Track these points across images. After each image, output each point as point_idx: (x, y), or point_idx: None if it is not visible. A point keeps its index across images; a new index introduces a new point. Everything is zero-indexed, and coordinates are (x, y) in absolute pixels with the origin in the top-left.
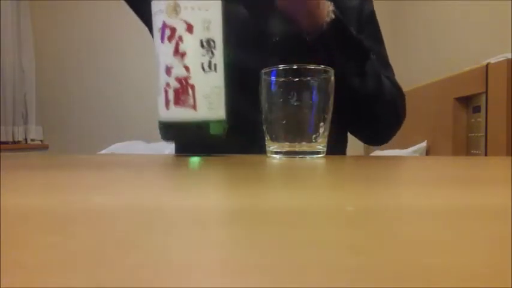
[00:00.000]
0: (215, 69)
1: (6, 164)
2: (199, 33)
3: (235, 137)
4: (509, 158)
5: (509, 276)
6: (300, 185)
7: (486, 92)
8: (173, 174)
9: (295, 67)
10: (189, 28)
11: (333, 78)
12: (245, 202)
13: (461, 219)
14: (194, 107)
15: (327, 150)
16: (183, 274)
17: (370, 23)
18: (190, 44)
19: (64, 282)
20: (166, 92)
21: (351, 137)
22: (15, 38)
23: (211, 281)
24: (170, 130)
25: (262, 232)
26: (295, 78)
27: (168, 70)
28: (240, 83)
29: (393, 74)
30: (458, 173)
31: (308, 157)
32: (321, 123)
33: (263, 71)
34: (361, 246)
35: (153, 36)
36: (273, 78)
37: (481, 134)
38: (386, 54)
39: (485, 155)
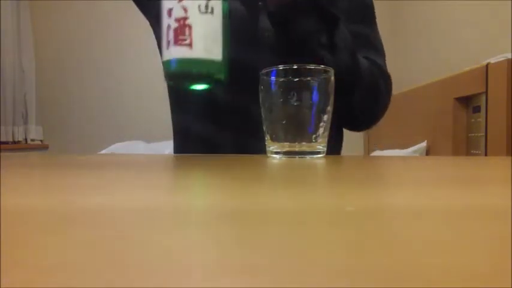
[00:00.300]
0: (212, 11)
1: (6, 164)
2: None
3: (234, 135)
4: (509, 158)
5: (509, 276)
6: (300, 185)
7: (486, 92)
8: (173, 175)
9: (295, 67)
10: None
11: (333, 78)
12: (245, 202)
13: (461, 219)
14: (190, 45)
15: (327, 150)
16: (183, 274)
17: (362, 6)
18: None
19: (64, 282)
20: (167, 33)
21: (350, 137)
22: (15, 38)
23: (211, 281)
24: (170, 68)
25: (262, 232)
26: (295, 78)
27: (169, 12)
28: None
29: (383, 59)
30: (458, 173)
31: (308, 157)
32: (321, 123)
33: (263, 71)
34: (361, 246)
35: (156, 38)
36: (273, 78)
37: (481, 134)
38: (377, 38)
39: (485, 155)
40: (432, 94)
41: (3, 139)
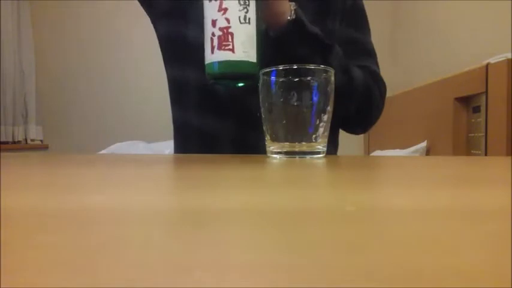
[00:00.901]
0: (249, 21)
1: (6, 164)
2: None
3: (234, 127)
4: (509, 158)
5: (509, 276)
6: (300, 185)
7: (486, 92)
8: (173, 175)
9: (295, 67)
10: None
11: (333, 78)
12: (245, 202)
13: (461, 219)
14: (233, 49)
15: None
16: (182, 274)
17: (352, 11)
18: (230, 1)
19: (64, 282)
20: (212, 40)
21: (350, 137)
22: (15, 38)
23: (211, 281)
24: (214, 69)
25: (262, 232)
26: (295, 78)
27: (214, 22)
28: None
29: (375, 62)
30: (458, 173)
31: (308, 157)
32: (321, 123)
33: (263, 71)
34: (361, 246)
35: (158, 35)
36: (273, 78)
37: (481, 134)
38: (370, 42)
39: (485, 155)
40: (432, 94)
41: (3, 139)
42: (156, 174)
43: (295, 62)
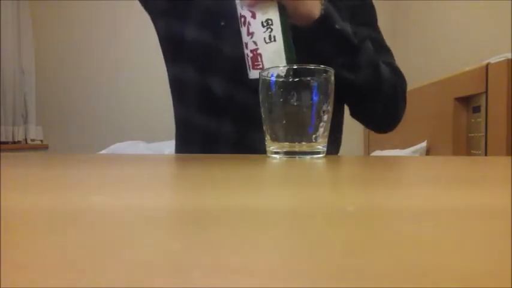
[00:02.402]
0: (274, 39)
1: (6, 164)
2: (260, 17)
3: (234, 125)
4: (509, 158)
5: (509, 276)
6: (300, 185)
7: (486, 92)
8: (173, 175)
9: (295, 67)
10: (253, 15)
11: (333, 78)
12: (244, 202)
13: (461, 219)
14: (262, 68)
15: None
16: (182, 274)
17: (364, 7)
18: (255, 26)
19: (64, 282)
20: (247, 60)
21: (350, 137)
22: (15, 38)
23: (211, 281)
24: (253, 86)
25: (262, 232)
26: (295, 78)
27: (246, 45)
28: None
29: (393, 58)
30: (458, 173)
31: (308, 157)
32: (321, 123)
33: (263, 71)
34: (361, 246)
35: (158, 34)
36: (272, 78)
37: (481, 134)
38: (383, 38)
39: (485, 155)
40: (432, 94)
41: (3, 139)
42: (156, 174)
43: (323, 59)
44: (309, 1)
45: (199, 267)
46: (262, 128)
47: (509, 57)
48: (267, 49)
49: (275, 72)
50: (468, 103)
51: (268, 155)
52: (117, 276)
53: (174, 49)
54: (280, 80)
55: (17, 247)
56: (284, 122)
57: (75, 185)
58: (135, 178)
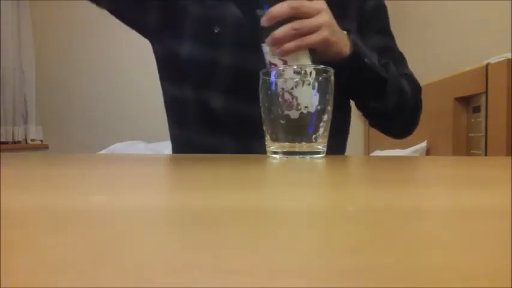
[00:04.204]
0: (308, 85)
1: (6, 164)
2: (292, 64)
3: (235, 136)
4: (509, 158)
5: (509, 276)
6: (300, 185)
7: (486, 92)
8: (173, 175)
9: (295, 67)
10: (284, 62)
11: (332, 78)
12: (244, 202)
13: (461, 219)
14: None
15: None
16: (182, 274)
17: (379, 13)
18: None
19: (64, 282)
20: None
21: (350, 137)
22: (15, 38)
23: (211, 281)
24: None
25: (262, 232)
26: (295, 78)
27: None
28: (240, 83)
29: (406, 64)
30: (459, 173)
31: (308, 157)
32: (321, 123)
33: (262, 71)
34: (361, 246)
35: (155, 54)
36: (272, 78)
37: (481, 134)
38: (396, 44)
39: (485, 155)
40: (432, 94)
41: (3, 139)
42: (156, 174)
43: (353, 92)
44: (339, 41)
45: (199, 267)
46: (263, 139)
47: (509, 57)
48: (302, 95)
49: (275, 72)
50: (468, 103)
51: (268, 155)
52: (117, 276)
53: (171, 67)
54: (280, 80)
55: (16, 247)
56: (284, 122)
57: (75, 185)
58: (135, 178)
